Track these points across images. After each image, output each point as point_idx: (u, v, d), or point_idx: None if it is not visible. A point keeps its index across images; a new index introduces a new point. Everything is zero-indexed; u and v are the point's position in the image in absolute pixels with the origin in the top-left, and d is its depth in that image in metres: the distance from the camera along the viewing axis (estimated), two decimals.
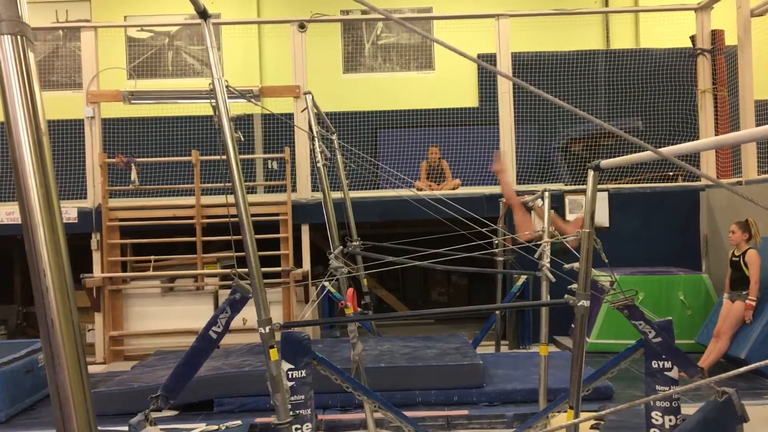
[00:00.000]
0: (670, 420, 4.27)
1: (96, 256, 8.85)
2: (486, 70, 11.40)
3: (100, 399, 5.94)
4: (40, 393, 6.64)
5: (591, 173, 3.34)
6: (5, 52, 1.32)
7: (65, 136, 10.04)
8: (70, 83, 11.77)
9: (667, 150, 1.94)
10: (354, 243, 6.97)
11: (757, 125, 8.51)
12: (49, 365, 1.31)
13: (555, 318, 5.80)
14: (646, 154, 2.67)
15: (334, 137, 7.06)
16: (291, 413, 3.62)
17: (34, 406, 6.50)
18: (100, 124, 9.08)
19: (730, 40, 9.36)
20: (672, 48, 11.17)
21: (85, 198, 9.10)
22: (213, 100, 3.51)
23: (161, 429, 4.05)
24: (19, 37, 1.32)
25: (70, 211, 8.80)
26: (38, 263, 1.30)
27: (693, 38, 9.63)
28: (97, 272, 8.79)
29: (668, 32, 11.24)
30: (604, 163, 3.32)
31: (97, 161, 8.85)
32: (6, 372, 6.13)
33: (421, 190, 9.03)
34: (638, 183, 9.65)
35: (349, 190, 7.79)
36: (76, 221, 8.81)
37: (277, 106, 10.09)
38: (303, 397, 4.30)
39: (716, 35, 9.41)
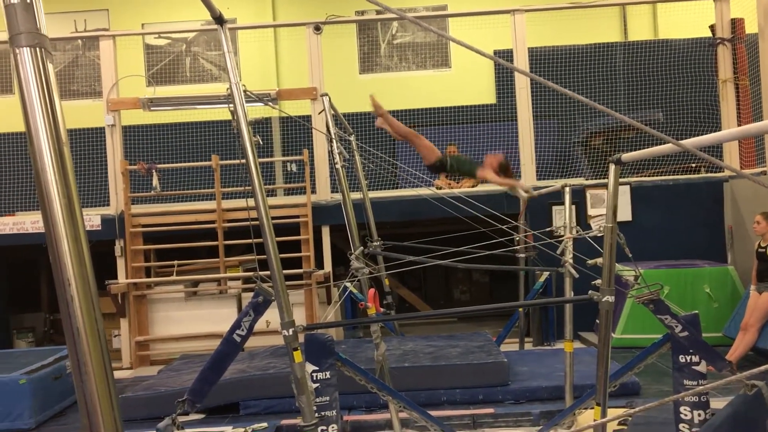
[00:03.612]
0: (699, 415, 4.22)
1: (120, 263, 8.94)
2: (502, 66, 11.34)
3: (128, 404, 6.00)
4: (69, 399, 6.72)
5: (612, 167, 3.30)
6: (25, 64, 1.33)
7: (87, 145, 10.16)
8: (91, 92, 11.92)
9: (689, 142, 1.91)
10: (374, 243, 6.98)
11: None
12: (75, 374, 1.32)
13: (579, 314, 5.76)
14: (668, 147, 2.64)
15: (352, 138, 7.06)
16: (316, 415, 3.62)
17: (63, 412, 6.58)
18: (120, 131, 9.17)
19: (750, 28, 9.22)
20: (691, 38, 11.03)
21: (108, 205, 9.20)
22: (231, 105, 3.53)
23: None
24: (38, 48, 1.33)
25: (93, 218, 8.90)
26: (62, 273, 1.31)
27: (712, 27, 9.50)
28: (121, 278, 8.88)
29: (687, 22, 11.09)
30: (626, 156, 3.29)
31: (119, 168, 8.94)
32: (35, 379, 6.21)
33: (440, 188, 9.01)
34: (660, 176, 9.54)
35: (369, 190, 7.79)
36: (100, 228, 8.90)
37: (294, 108, 10.12)
38: (328, 398, 4.31)
39: (736, 24, 9.27)
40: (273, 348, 7.21)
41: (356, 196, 6.64)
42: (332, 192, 9.08)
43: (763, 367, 2.20)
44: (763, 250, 6.67)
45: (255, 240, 3.62)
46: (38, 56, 1.33)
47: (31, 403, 6.11)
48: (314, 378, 4.23)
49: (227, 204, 9.01)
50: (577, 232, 5.48)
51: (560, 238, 5.60)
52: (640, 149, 3.55)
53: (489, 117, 11.38)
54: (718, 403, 4.27)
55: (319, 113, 5.91)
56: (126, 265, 8.89)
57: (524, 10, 9.28)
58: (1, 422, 6.02)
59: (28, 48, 1.32)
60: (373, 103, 6.46)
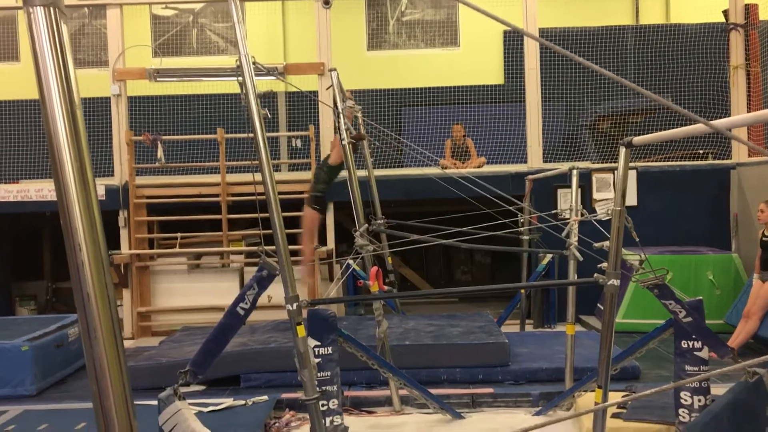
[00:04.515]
0: (700, 400, 4.23)
1: (123, 233, 8.94)
2: (512, 46, 11.24)
3: (129, 373, 6.01)
4: (71, 367, 6.76)
5: (623, 150, 3.28)
6: (38, 23, 1.30)
7: (92, 114, 10.11)
8: (97, 61, 11.83)
9: (719, 122, 1.88)
10: (378, 221, 6.97)
11: None
12: (85, 339, 1.32)
13: (579, 297, 5.75)
14: (684, 130, 2.61)
15: (358, 115, 7.02)
16: (318, 389, 3.64)
17: (64, 379, 6.62)
18: (126, 101, 9.13)
19: (764, 14, 9.12)
20: (704, 23, 10.92)
21: (112, 175, 9.18)
22: (239, 77, 3.50)
23: (189, 403, 4.10)
24: (51, 8, 1.30)
25: (97, 188, 8.87)
26: (73, 238, 1.30)
27: (726, 13, 9.39)
28: (124, 249, 8.89)
29: (700, 7, 10.98)
30: (637, 139, 3.26)
31: (124, 139, 8.91)
32: (37, 346, 6.24)
33: (445, 168, 8.98)
34: (667, 161, 9.49)
35: (374, 168, 7.76)
36: (104, 198, 8.88)
37: (300, 84, 10.05)
38: (329, 373, 4.33)
39: (750, 9, 9.17)
40: (274, 322, 7.23)
41: (361, 173, 6.62)
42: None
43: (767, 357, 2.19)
44: (767, 238, 6.65)
45: (260, 215, 3.61)
46: (52, 16, 1.30)
47: (33, 369, 6.14)
48: (316, 353, 4.25)
49: (232, 178, 8.99)
50: (582, 215, 5.46)
51: (565, 221, 5.58)
52: (647, 134, 3.52)
53: (497, 98, 11.31)
54: (718, 390, 4.28)
55: (327, 89, 5.87)
56: (129, 236, 8.89)
57: None
58: (3, 388, 6.05)
59: (42, 7, 1.30)
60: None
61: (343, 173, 6.30)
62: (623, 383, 5.65)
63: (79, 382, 6.53)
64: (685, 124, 2.83)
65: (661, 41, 11.19)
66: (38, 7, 1.30)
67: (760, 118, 1.93)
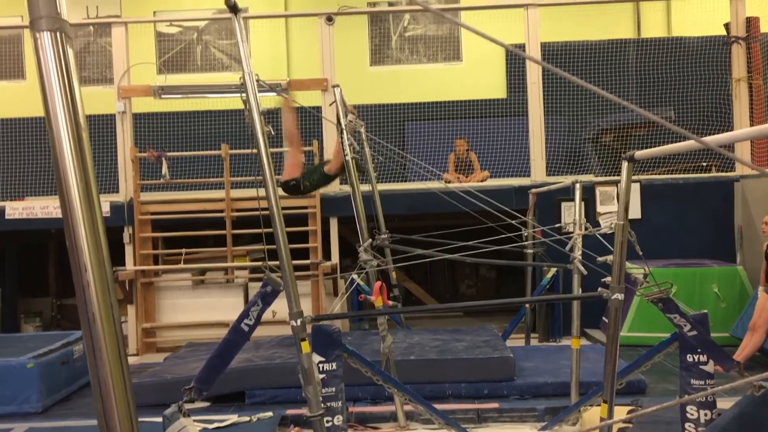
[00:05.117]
0: (706, 414, 4.21)
1: (128, 250, 8.96)
2: (514, 60, 11.29)
3: (134, 390, 6.00)
4: (76, 384, 6.76)
5: (625, 164, 3.29)
6: (45, 48, 1.32)
7: (97, 131, 10.17)
8: (101, 78, 11.92)
9: (710, 139, 1.89)
10: (382, 236, 6.97)
11: None
12: (90, 359, 1.33)
13: (584, 311, 5.74)
14: (684, 144, 2.62)
15: (362, 130, 7.05)
16: (322, 405, 3.63)
17: (70, 396, 6.61)
18: (131, 118, 9.18)
19: (765, 27, 9.15)
20: (705, 36, 10.95)
21: (118, 192, 9.22)
22: (243, 94, 3.53)
23: (194, 420, 4.10)
24: (58, 33, 1.33)
25: (102, 205, 8.91)
26: (79, 258, 1.31)
27: (727, 26, 9.43)
28: (129, 265, 8.90)
29: (701, 20, 11.01)
30: (639, 153, 3.27)
31: (129, 155, 8.96)
32: (42, 363, 6.23)
33: (449, 182, 8.99)
34: (671, 174, 9.49)
35: (377, 182, 7.78)
36: (109, 215, 8.92)
37: (304, 100, 10.10)
38: (334, 389, 4.32)
39: (751, 22, 9.21)
40: (279, 338, 7.23)
41: (365, 188, 6.63)
42: (341, 184, 9.07)
43: None
44: None
45: (264, 230, 3.63)
46: (58, 41, 1.33)
47: (38, 387, 6.13)
48: (321, 369, 4.24)
49: (236, 193, 9.02)
50: (586, 228, 5.46)
51: (568, 234, 5.58)
52: (651, 147, 3.54)
53: (499, 112, 11.35)
54: (724, 403, 4.26)
55: (331, 104, 5.91)
56: (134, 252, 8.92)
57: (538, 4, 9.23)
58: (9, 405, 6.05)
59: (48, 32, 1.32)
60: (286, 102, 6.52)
61: (347, 188, 6.32)
62: (629, 397, 5.62)
63: (84, 399, 6.53)
64: (688, 138, 2.84)
65: (662, 54, 11.22)
66: (45, 32, 1.32)
67: (754, 133, 1.94)
